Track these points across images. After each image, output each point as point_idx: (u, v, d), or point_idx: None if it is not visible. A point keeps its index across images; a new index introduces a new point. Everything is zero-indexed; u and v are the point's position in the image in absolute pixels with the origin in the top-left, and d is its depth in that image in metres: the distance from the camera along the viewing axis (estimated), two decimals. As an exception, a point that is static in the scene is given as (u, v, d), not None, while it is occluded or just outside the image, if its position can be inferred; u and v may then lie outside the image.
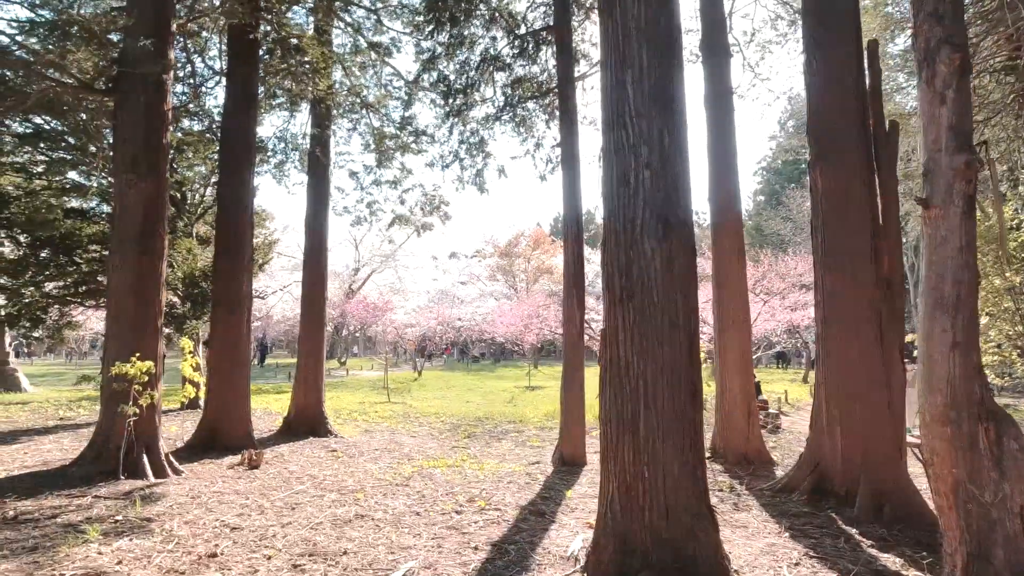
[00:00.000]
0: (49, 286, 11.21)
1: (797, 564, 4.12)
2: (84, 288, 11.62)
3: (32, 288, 10.92)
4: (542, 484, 6.88)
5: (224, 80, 8.98)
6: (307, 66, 9.59)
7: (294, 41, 9.45)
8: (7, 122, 9.92)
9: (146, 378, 5.86)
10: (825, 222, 6.32)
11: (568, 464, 8.13)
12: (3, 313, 11.47)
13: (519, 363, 38.36)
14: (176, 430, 9.28)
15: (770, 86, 46.94)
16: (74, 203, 11.86)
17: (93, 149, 10.13)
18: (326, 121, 10.58)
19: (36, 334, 11.26)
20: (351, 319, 31.18)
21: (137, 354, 5.96)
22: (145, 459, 6.05)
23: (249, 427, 8.33)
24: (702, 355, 9.47)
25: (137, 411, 5.88)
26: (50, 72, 6.09)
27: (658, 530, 3.42)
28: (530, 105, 12.13)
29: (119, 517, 4.75)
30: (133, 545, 4.16)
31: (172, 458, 6.43)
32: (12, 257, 11.11)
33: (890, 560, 4.26)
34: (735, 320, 8.78)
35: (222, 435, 8.00)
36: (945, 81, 3.20)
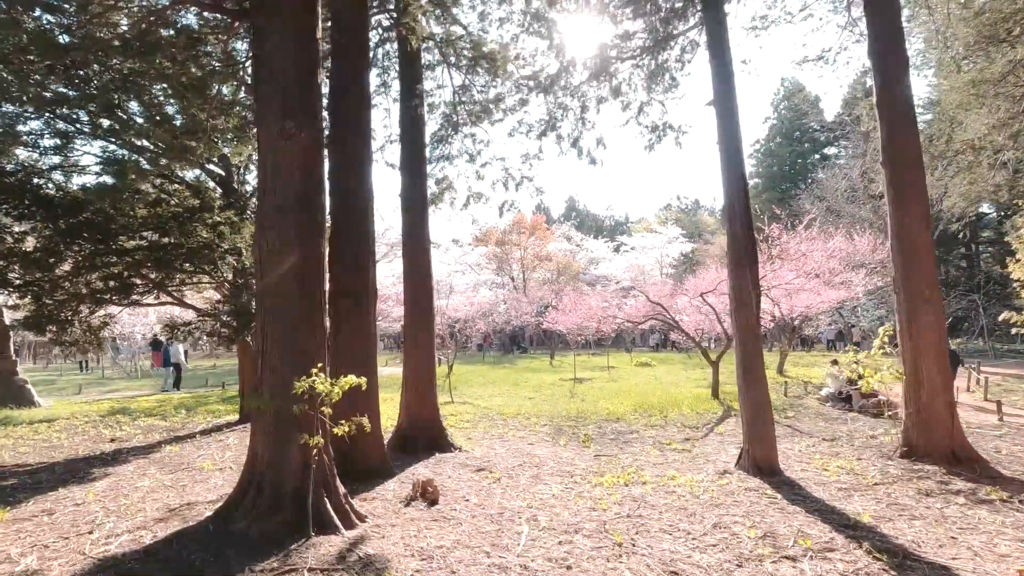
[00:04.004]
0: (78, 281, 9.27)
1: None
2: (113, 284, 9.69)
3: (48, 284, 9.00)
4: (789, 501, 5.67)
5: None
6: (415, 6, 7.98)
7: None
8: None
9: (339, 395, 4.30)
10: None
11: (765, 472, 6.90)
12: (22, 316, 9.52)
13: (525, 355, 37.20)
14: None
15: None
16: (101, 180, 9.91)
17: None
18: (422, 74, 8.97)
19: (67, 338, 9.29)
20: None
21: (319, 364, 4.40)
22: (328, 504, 4.51)
23: (383, 446, 6.79)
24: (883, 340, 8.39)
25: (321, 441, 4.33)
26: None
27: None
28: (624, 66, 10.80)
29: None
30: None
31: (351, 499, 4.88)
32: (30, 248, 9.09)
33: None
34: (927, 297, 7.69)
35: (355, 458, 6.43)
36: None
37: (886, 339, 8.16)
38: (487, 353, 35.92)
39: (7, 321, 12.01)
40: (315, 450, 4.31)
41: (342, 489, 4.77)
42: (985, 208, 29.35)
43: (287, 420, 4.37)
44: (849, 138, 28.95)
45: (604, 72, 10.62)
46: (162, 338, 28.02)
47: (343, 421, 4.36)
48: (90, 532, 4.36)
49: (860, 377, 12.79)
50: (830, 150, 47.45)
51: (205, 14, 5.34)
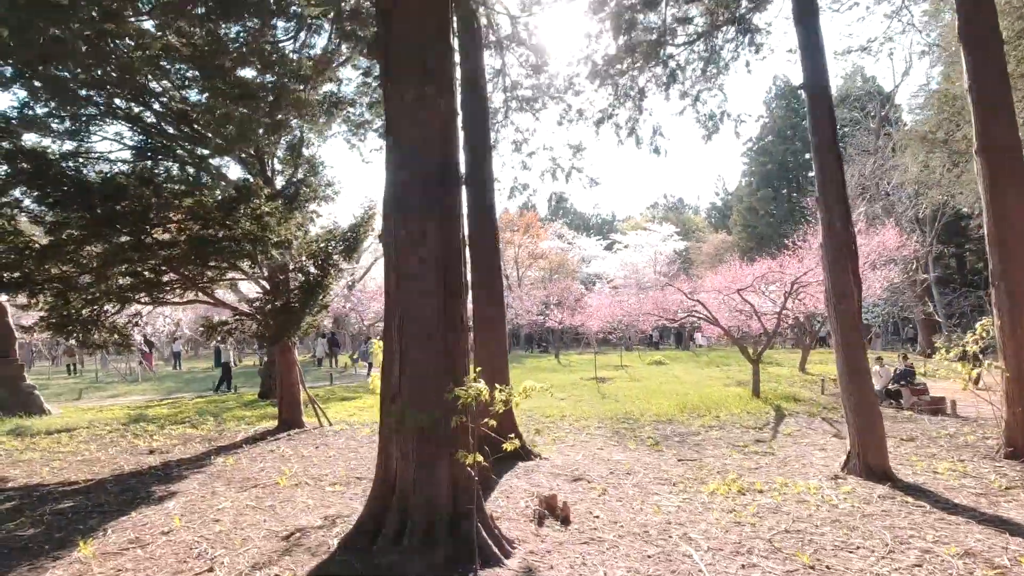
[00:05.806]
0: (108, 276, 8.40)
1: None
2: (142, 281, 8.82)
3: (72, 282, 8.15)
4: (944, 510, 5.21)
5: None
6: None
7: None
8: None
9: (517, 404, 3.70)
10: None
11: (880, 477, 6.49)
12: (37, 317, 8.61)
13: (545, 354, 36.75)
14: (343, 467, 6.97)
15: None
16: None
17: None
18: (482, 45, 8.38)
19: (94, 340, 8.42)
20: (358, 313, 28.25)
21: (478, 368, 3.79)
22: (483, 532, 3.89)
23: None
24: (978, 336, 8.02)
25: (480, 460, 3.72)
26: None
27: None
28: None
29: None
30: None
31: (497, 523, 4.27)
32: (46, 243, 8.17)
33: None
34: (1031, 288, 7.34)
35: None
36: None
37: (983, 335, 7.78)
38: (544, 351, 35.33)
39: (11, 322, 11.04)
40: (473, 469, 3.70)
41: (490, 511, 4.16)
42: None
43: (438, 435, 3.75)
44: (854, 135, 28.97)
45: (661, 57, 10.14)
46: (152, 341, 26.87)
47: (511, 435, 3.76)
48: (209, 570, 3.67)
49: (910, 376, 12.59)
50: (821, 148, 47.82)
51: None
